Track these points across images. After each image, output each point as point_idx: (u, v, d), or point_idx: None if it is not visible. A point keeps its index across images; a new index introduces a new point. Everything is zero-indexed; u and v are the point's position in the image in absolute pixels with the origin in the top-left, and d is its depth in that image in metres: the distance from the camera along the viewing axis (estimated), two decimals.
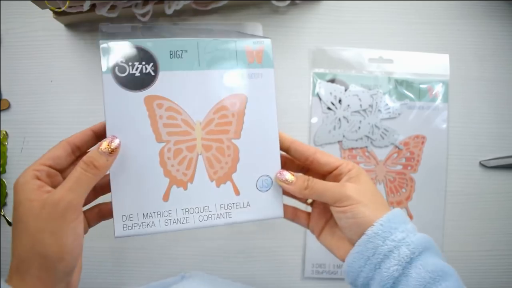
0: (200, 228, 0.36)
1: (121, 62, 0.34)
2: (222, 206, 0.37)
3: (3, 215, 0.52)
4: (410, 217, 0.49)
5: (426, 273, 0.30)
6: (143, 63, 0.35)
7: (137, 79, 0.34)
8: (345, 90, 0.51)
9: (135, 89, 0.35)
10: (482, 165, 0.54)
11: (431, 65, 0.53)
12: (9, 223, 0.52)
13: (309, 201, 0.40)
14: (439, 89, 0.51)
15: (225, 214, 0.37)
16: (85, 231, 0.35)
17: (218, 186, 0.37)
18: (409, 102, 0.51)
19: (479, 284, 0.53)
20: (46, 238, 0.28)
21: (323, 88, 0.51)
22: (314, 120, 0.52)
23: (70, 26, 0.53)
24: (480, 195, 0.54)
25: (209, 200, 0.37)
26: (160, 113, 0.35)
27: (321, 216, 0.38)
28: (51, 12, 0.49)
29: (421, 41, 0.54)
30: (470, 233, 0.54)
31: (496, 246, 0.53)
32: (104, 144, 0.32)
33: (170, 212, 0.36)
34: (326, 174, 0.37)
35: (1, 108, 0.52)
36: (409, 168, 0.51)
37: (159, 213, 0.35)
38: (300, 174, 0.37)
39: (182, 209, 0.36)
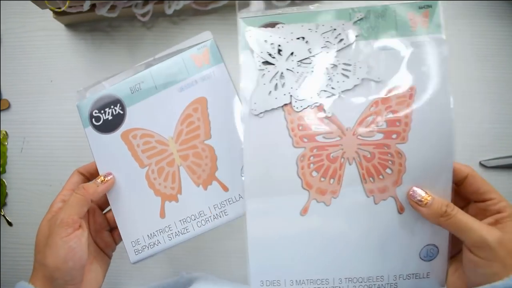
0: (201, 233, 0.38)
1: (95, 113, 0.40)
2: (215, 206, 0.38)
3: (3, 215, 0.52)
4: (401, 209, 0.32)
5: None
6: (112, 106, 0.40)
7: (111, 122, 0.40)
8: (286, 33, 0.35)
9: (112, 130, 0.40)
10: (482, 165, 0.54)
11: None
12: (9, 223, 0.52)
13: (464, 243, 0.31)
14: (425, 16, 0.33)
15: (221, 213, 0.38)
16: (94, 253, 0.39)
17: (205, 188, 0.39)
18: (383, 41, 0.33)
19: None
20: (46, 251, 0.33)
21: (254, 36, 0.35)
22: (245, 83, 0.34)
23: (70, 26, 0.53)
24: None
25: (201, 204, 0.39)
26: (136, 143, 0.39)
27: (455, 244, 0.32)
28: (51, 12, 0.49)
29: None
30: None
31: None
32: (101, 178, 0.38)
33: (169, 226, 0.39)
34: (471, 202, 0.32)
35: (1, 108, 0.52)
36: (393, 136, 0.32)
37: (160, 230, 0.39)
38: (439, 198, 0.31)
39: (180, 220, 0.39)
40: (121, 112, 0.39)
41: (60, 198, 0.37)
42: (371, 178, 0.33)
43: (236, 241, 0.52)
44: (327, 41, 0.34)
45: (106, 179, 0.38)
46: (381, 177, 0.32)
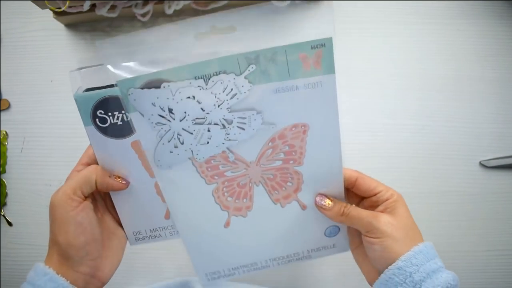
0: None
1: (100, 113, 0.34)
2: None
3: (3, 215, 0.52)
4: (304, 207, 0.39)
5: None
6: (123, 112, 0.34)
7: (120, 128, 0.35)
8: (173, 93, 0.32)
9: (120, 137, 0.35)
10: (482, 165, 0.54)
11: (305, 19, 0.33)
12: (9, 223, 0.52)
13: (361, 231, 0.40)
14: (318, 55, 0.32)
15: None
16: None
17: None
18: (275, 84, 0.32)
19: (479, 284, 0.53)
20: (55, 228, 0.33)
21: (139, 100, 0.32)
22: (145, 144, 0.34)
23: (70, 26, 0.53)
24: (480, 195, 0.54)
25: None
26: None
27: (358, 233, 0.38)
28: (51, 12, 0.49)
29: (421, 41, 0.54)
30: (470, 233, 0.54)
31: (496, 246, 0.53)
32: (116, 176, 0.36)
33: (172, 226, 0.40)
34: (366, 197, 0.38)
35: (1, 108, 0.52)
36: (291, 162, 0.37)
37: (163, 227, 0.40)
38: (337, 200, 0.37)
39: None
40: None
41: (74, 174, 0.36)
42: (276, 191, 0.38)
43: None
44: (218, 98, 0.33)
45: (121, 181, 0.36)
46: (283, 189, 0.38)
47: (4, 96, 0.52)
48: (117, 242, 0.38)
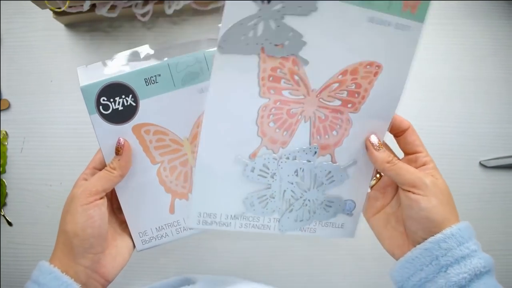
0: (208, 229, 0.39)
1: (103, 100, 0.36)
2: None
3: (3, 215, 0.52)
4: (335, 163, 0.38)
5: None
6: (123, 96, 0.36)
7: (121, 113, 0.37)
8: None
9: (122, 122, 0.37)
10: (482, 165, 0.54)
11: None
12: (9, 223, 0.52)
13: (371, 183, 0.40)
14: (417, 1, 0.34)
15: None
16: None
17: None
18: (373, 12, 0.33)
19: None
20: (66, 217, 0.34)
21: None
22: (227, 14, 0.31)
23: (70, 26, 0.53)
24: (480, 195, 0.54)
25: None
26: (149, 138, 0.38)
27: (379, 199, 0.38)
28: (51, 12, 0.49)
29: (420, 41, 0.54)
30: None
31: (496, 246, 0.53)
32: (118, 154, 0.36)
33: (178, 221, 0.39)
34: (405, 154, 0.38)
35: (1, 108, 0.52)
36: (349, 105, 0.36)
37: (169, 224, 0.39)
38: (388, 149, 0.37)
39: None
40: (134, 104, 0.37)
41: (82, 177, 0.37)
42: (318, 136, 0.36)
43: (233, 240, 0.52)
44: None
45: (120, 145, 0.36)
46: (326, 136, 0.37)
47: (4, 96, 0.52)
48: (122, 244, 0.38)
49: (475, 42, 0.55)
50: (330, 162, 0.37)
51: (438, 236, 0.32)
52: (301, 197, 0.38)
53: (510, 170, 0.54)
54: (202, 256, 0.52)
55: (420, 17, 0.34)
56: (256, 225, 0.38)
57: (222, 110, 0.34)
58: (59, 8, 0.45)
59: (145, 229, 0.39)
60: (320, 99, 0.35)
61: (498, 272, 0.53)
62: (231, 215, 0.38)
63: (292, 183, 0.38)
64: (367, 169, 0.38)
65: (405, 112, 0.54)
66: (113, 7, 0.48)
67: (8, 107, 0.52)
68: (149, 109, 0.37)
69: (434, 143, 0.54)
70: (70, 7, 0.45)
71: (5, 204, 0.52)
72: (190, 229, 0.39)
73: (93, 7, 0.48)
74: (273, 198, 0.38)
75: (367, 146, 0.37)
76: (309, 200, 0.38)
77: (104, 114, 0.37)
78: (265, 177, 0.37)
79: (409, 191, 0.34)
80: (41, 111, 0.52)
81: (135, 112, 0.37)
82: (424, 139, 0.54)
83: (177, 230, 0.39)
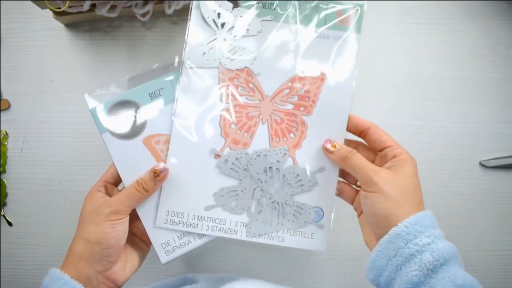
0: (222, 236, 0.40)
1: (113, 119, 0.38)
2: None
3: (3, 215, 0.52)
4: (295, 164, 0.40)
5: (454, 287, 0.29)
6: (131, 112, 0.38)
7: (130, 128, 0.38)
8: (233, 7, 0.40)
9: (133, 136, 0.39)
10: (482, 165, 0.54)
11: None
12: (9, 223, 0.52)
13: (359, 183, 0.40)
14: (351, 15, 0.39)
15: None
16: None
17: None
18: (313, 29, 0.40)
19: None
20: (91, 227, 0.36)
21: (207, 1, 0.40)
22: (191, 38, 0.40)
23: (70, 26, 0.53)
24: (480, 195, 0.54)
25: None
26: (160, 148, 0.39)
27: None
28: (51, 12, 0.49)
29: (420, 41, 0.54)
30: (469, 233, 0.54)
31: (496, 246, 0.53)
32: (154, 171, 0.37)
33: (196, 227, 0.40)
34: (376, 152, 0.38)
35: (1, 108, 0.52)
36: (301, 109, 0.40)
37: (188, 232, 0.40)
38: (345, 146, 0.38)
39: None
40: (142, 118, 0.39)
41: (95, 189, 0.38)
42: (277, 138, 0.40)
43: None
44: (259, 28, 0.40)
45: (159, 170, 0.37)
46: (285, 139, 0.40)
47: (4, 96, 0.52)
48: (133, 252, 0.40)
49: (475, 42, 0.55)
50: (298, 166, 0.40)
51: (385, 238, 0.32)
52: (269, 198, 0.40)
53: (510, 170, 0.54)
54: (203, 256, 0.52)
55: (356, 29, 0.39)
56: (223, 228, 0.39)
57: (190, 113, 0.39)
58: (59, 8, 0.45)
59: (167, 239, 0.39)
60: (274, 103, 0.40)
61: (498, 272, 0.54)
62: (198, 216, 0.39)
63: (261, 181, 0.40)
64: (334, 177, 0.40)
65: (405, 112, 0.54)
66: (113, 7, 0.48)
67: (8, 107, 0.52)
68: (156, 121, 0.39)
69: (434, 143, 0.54)
70: (70, 7, 0.45)
71: (5, 204, 0.52)
72: (212, 230, 0.39)
73: (93, 7, 0.48)
74: (243, 194, 0.40)
75: (323, 150, 0.39)
76: (277, 202, 0.40)
77: (114, 131, 0.38)
78: (237, 171, 0.39)
79: (362, 188, 0.36)
80: (41, 111, 0.52)
81: (143, 126, 0.39)
82: (425, 139, 0.54)
83: (199, 235, 0.40)
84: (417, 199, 0.34)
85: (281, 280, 0.53)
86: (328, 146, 0.38)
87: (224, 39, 0.39)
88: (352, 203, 0.40)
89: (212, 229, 0.39)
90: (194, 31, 0.39)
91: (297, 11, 0.39)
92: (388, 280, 0.32)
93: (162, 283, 0.46)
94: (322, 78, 0.40)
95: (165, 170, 0.38)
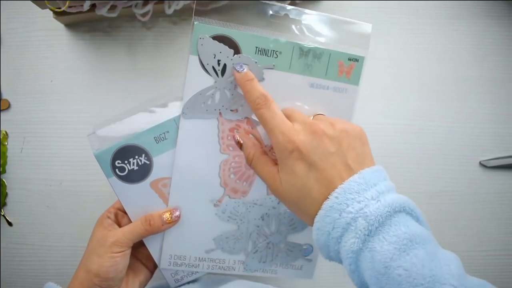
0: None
1: (118, 163, 0.38)
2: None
3: (3, 215, 0.52)
4: None
5: (390, 245, 0.28)
6: (136, 157, 0.38)
7: (137, 172, 0.39)
8: (234, 54, 0.37)
9: (139, 180, 0.39)
10: (482, 165, 0.54)
11: (349, 34, 0.40)
12: (9, 223, 0.52)
13: None
14: (351, 67, 0.39)
15: None
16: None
17: None
18: (313, 79, 0.39)
19: None
20: (93, 258, 0.37)
21: (206, 46, 0.37)
22: (189, 88, 0.38)
23: (70, 26, 0.53)
24: (480, 195, 0.54)
25: None
26: (167, 191, 0.39)
27: None
28: (51, 12, 0.49)
29: (420, 41, 0.54)
30: (469, 233, 0.54)
31: (496, 246, 0.53)
32: (166, 214, 0.39)
33: (210, 258, 0.42)
34: None
35: (1, 108, 0.52)
36: None
37: (200, 260, 0.42)
38: (251, 143, 0.38)
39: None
40: (148, 162, 0.38)
41: (106, 215, 0.40)
42: None
43: None
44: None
45: (172, 218, 0.39)
46: None
47: (4, 96, 0.52)
48: (136, 278, 0.41)
49: (474, 42, 0.55)
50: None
51: (320, 213, 0.31)
52: (265, 240, 0.42)
53: (510, 170, 0.54)
54: None
55: (355, 81, 0.39)
56: (222, 266, 0.42)
57: (189, 165, 0.39)
58: (59, 8, 0.45)
59: (176, 270, 0.42)
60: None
61: (498, 272, 0.54)
62: (199, 257, 0.41)
63: (258, 226, 0.41)
64: None
65: (405, 112, 0.54)
66: (113, 7, 0.48)
67: (8, 107, 0.52)
68: (163, 164, 0.39)
69: (434, 143, 0.54)
70: (70, 7, 0.46)
71: (5, 204, 0.52)
72: (219, 265, 0.42)
73: (93, 7, 0.48)
74: (241, 238, 0.41)
75: (235, 142, 0.39)
76: (272, 243, 0.42)
77: (121, 175, 0.38)
78: (235, 219, 0.41)
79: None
80: (41, 111, 0.52)
81: (150, 170, 0.39)
82: (425, 139, 0.54)
83: (207, 266, 0.42)
84: (327, 175, 0.32)
85: (279, 281, 0.53)
86: (237, 137, 0.39)
87: (224, 88, 0.38)
88: None
89: (212, 268, 0.42)
90: (193, 80, 0.37)
91: (299, 60, 0.38)
92: (335, 255, 0.32)
93: (161, 283, 0.46)
94: None
95: (178, 218, 0.39)
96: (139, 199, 0.39)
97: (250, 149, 0.38)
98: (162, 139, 0.38)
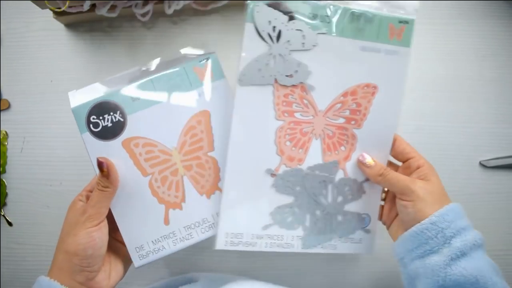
0: (205, 238, 0.40)
1: (93, 119, 0.38)
2: (218, 213, 0.40)
3: (3, 215, 0.52)
4: (346, 175, 0.42)
5: (462, 277, 0.33)
6: (111, 113, 0.39)
7: (110, 129, 0.39)
8: (289, 20, 0.38)
9: (112, 138, 0.39)
10: (482, 165, 0.54)
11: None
12: (9, 223, 0.52)
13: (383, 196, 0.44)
14: (401, 29, 0.40)
15: None
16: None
17: (208, 197, 0.40)
18: (364, 42, 0.39)
19: None
20: (69, 239, 0.36)
21: (261, 13, 0.38)
22: (244, 54, 0.38)
23: (70, 26, 0.53)
24: (480, 195, 0.54)
25: (204, 212, 0.40)
26: (138, 151, 0.39)
27: (392, 209, 0.42)
28: (51, 12, 0.49)
29: (420, 41, 0.54)
30: None
31: (496, 246, 0.53)
32: (99, 174, 0.37)
33: (174, 232, 0.40)
34: (401, 162, 0.42)
35: (1, 108, 0.52)
36: (352, 122, 0.41)
37: (165, 236, 0.40)
38: (379, 163, 0.41)
39: (184, 227, 0.40)
40: (122, 120, 0.39)
41: (78, 199, 0.39)
42: (329, 152, 0.41)
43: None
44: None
45: (104, 168, 0.37)
46: (336, 152, 0.41)
47: (4, 96, 0.52)
48: (117, 261, 0.40)
49: (474, 42, 0.55)
50: (349, 177, 0.42)
51: (441, 211, 0.36)
52: (323, 211, 0.41)
53: (510, 170, 0.54)
54: (203, 255, 0.52)
55: (406, 43, 0.40)
56: (280, 244, 0.41)
57: (245, 134, 0.39)
58: (59, 8, 0.45)
59: (141, 244, 0.39)
60: (327, 118, 0.40)
61: None
62: (256, 235, 0.40)
63: (315, 195, 0.41)
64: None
65: (405, 112, 0.54)
66: (113, 7, 0.48)
67: (8, 107, 0.52)
68: (136, 123, 0.39)
69: (434, 143, 0.54)
70: (70, 7, 0.46)
71: (5, 204, 0.52)
72: (186, 240, 0.40)
73: (93, 7, 0.48)
74: (299, 209, 0.41)
75: (358, 165, 0.41)
76: (330, 214, 0.41)
77: (95, 131, 0.38)
78: (292, 188, 0.40)
79: (400, 198, 0.38)
80: (41, 111, 0.52)
81: (123, 127, 0.39)
82: (425, 139, 0.54)
83: (173, 242, 0.40)
84: (448, 201, 0.38)
85: (279, 281, 0.53)
86: (366, 161, 0.40)
87: (280, 54, 0.38)
88: (380, 218, 0.43)
89: (271, 246, 0.40)
90: (249, 46, 0.38)
91: (351, 24, 0.38)
92: (424, 254, 0.36)
93: (161, 282, 0.46)
94: (373, 92, 0.41)
95: (103, 163, 0.37)
96: (109, 157, 0.38)
97: (379, 165, 0.40)
98: (138, 98, 0.39)
